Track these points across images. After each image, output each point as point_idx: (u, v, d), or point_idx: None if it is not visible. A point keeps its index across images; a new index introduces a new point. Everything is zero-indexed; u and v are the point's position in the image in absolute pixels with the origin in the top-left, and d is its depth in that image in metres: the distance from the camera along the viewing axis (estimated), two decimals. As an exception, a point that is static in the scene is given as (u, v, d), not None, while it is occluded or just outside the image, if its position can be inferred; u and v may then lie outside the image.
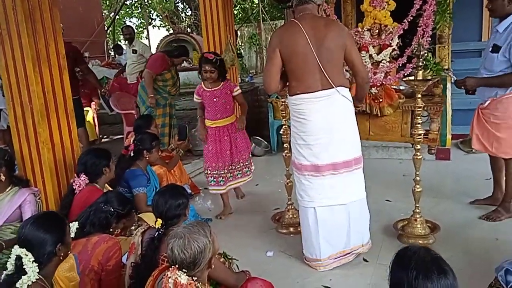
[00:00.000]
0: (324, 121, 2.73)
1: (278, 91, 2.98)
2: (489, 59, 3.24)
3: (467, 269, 2.72)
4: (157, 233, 2.15)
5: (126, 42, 6.81)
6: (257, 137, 6.08)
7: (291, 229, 3.47)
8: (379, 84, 3.41)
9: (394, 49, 3.50)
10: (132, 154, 3.53)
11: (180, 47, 5.43)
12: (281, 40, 2.77)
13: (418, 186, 3.15)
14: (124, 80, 6.82)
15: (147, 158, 3.61)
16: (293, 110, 2.84)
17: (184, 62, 10.51)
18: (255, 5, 15.76)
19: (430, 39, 3.46)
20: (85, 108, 6.62)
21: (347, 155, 2.79)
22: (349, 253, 2.92)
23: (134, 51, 6.53)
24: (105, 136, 7.49)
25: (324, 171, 2.77)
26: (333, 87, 2.69)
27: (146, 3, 14.73)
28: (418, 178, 3.15)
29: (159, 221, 2.19)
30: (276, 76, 2.79)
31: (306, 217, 2.88)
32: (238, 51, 7.80)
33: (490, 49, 3.22)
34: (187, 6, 16.38)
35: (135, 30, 18.89)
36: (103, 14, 12.15)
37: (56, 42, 3.21)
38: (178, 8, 16.63)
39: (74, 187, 2.94)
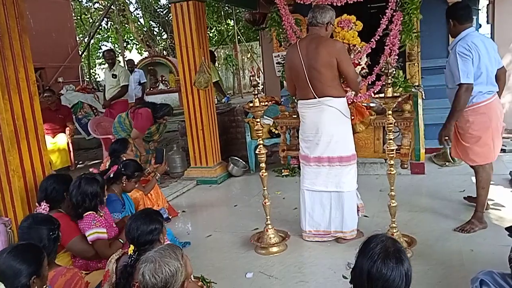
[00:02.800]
0: (313, 124, 3.37)
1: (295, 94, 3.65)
2: (446, 76, 3.61)
3: (444, 282, 2.75)
4: (130, 259, 2.11)
5: (107, 65, 6.91)
6: (235, 157, 6.07)
7: (270, 249, 3.44)
8: (350, 102, 3.47)
9: (363, 68, 3.58)
10: (111, 176, 3.45)
11: (165, 106, 5.40)
12: (287, 58, 3.52)
13: (393, 201, 3.19)
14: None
15: (124, 185, 3.55)
16: (299, 112, 3.54)
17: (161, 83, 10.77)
18: (230, 27, 15.96)
19: (397, 57, 3.56)
20: (59, 134, 6.51)
21: (332, 153, 3.35)
22: (330, 234, 3.49)
23: (114, 76, 6.60)
24: (80, 162, 7.35)
25: (311, 162, 3.44)
26: (317, 98, 3.25)
27: (120, 26, 14.71)
28: (393, 193, 3.19)
29: (132, 247, 2.15)
30: (290, 82, 3.55)
31: (302, 196, 3.56)
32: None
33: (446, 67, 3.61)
34: (162, 30, 16.45)
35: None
36: (77, 39, 12.09)
37: (26, 69, 3.17)
38: (154, 31, 16.69)
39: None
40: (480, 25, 9.41)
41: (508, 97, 7.10)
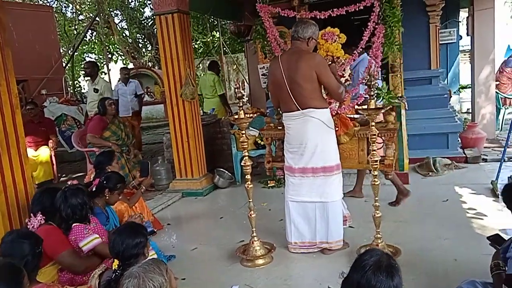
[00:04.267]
0: (297, 135, 3.41)
1: (279, 107, 3.69)
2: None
3: (428, 292, 2.77)
4: (114, 274, 2.08)
5: (88, 78, 6.83)
6: (221, 169, 6.06)
7: (256, 261, 3.42)
8: (334, 113, 3.51)
9: (347, 80, 3.63)
10: (93, 189, 3.42)
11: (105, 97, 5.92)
12: (270, 71, 3.58)
13: (377, 211, 3.22)
14: None
15: (107, 198, 3.51)
16: (284, 124, 3.57)
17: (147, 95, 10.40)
18: (216, 39, 16.02)
19: (380, 69, 3.62)
20: (42, 147, 6.43)
21: (316, 164, 3.38)
22: (315, 245, 3.50)
23: (96, 90, 6.50)
24: (63, 175, 7.25)
25: (295, 173, 3.47)
26: (300, 110, 3.29)
27: (105, 38, 14.66)
28: (377, 203, 3.22)
29: (116, 262, 2.12)
30: (274, 95, 3.61)
31: (286, 208, 3.58)
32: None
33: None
34: (147, 41, 16.44)
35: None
36: (61, 50, 12.00)
37: (8, 81, 3.13)
38: (139, 43, 16.66)
39: (28, 227, 2.80)
40: (461, 37, 9.65)
41: (488, 108, 7.26)
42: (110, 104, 5.57)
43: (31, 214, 2.91)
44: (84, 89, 16.42)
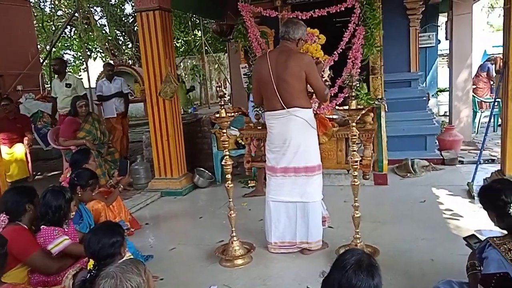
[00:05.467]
0: (280, 134, 3.39)
1: (261, 104, 3.69)
2: None
3: (406, 291, 2.80)
4: (89, 274, 2.03)
5: (56, 74, 6.61)
6: (201, 168, 6.01)
7: (235, 261, 3.40)
8: (313, 114, 3.52)
9: (326, 80, 3.64)
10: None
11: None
12: (255, 69, 3.58)
13: (357, 211, 3.23)
14: None
15: (79, 195, 3.43)
16: (266, 123, 3.56)
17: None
18: (197, 38, 15.93)
19: (359, 70, 3.65)
20: (17, 144, 6.27)
21: (298, 163, 3.38)
22: (295, 245, 3.49)
23: (68, 85, 6.34)
24: (39, 173, 7.08)
25: (278, 173, 3.45)
26: (286, 109, 3.27)
27: (84, 35, 14.40)
28: (357, 204, 3.24)
29: (91, 262, 2.06)
30: (257, 92, 3.57)
31: (267, 207, 3.56)
32: (182, 82, 7.72)
33: None
34: (128, 39, 16.22)
35: (73, 63, 18.24)
36: (39, 46, 11.72)
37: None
38: (119, 40, 16.42)
39: (-6, 228, 2.71)
40: (439, 41, 9.82)
41: (465, 111, 7.40)
42: (81, 106, 5.45)
43: None
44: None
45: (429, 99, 7.84)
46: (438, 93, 10.54)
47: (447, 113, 8.39)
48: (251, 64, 4.90)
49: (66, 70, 6.72)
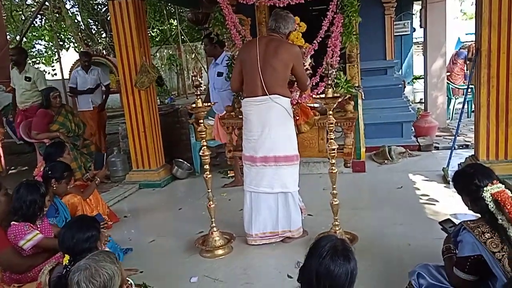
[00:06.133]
0: (259, 121, 3.33)
1: (239, 91, 3.69)
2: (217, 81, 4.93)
3: (384, 276, 2.85)
4: (64, 270, 1.98)
5: (14, 66, 6.07)
6: (179, 160, 5.95)
7: (215, 252, 3.39)
8: (295, 103, 3.51)
9: (307, 69, 3.64)
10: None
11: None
12: (241, 51, 3.57)
13: (335, 199, 3.26)
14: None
15: (54, 188, 3.36)
16: (243, 111, 3.50)
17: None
18: (173, 27, 15.68)
19: (339, 58, 3.65)
20: (-13, 138, 6.07)
21: (277, 152, 3.34)
22: (277, 235, 3.48)
23: (28, 79, 5.92)
24: (12, 168, 6.89)
25: (257, 162, 3.39)
26: (267, 95, 3.24)
27: (55, 24, 13.99)
28: (335, 191, 3.26)
29: (67, 257, 2.02)
30: (237, 77, 3.50)
31: (245, 198, 3.52)
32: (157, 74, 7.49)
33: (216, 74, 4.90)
34: (101, 28, 15.83)
35: (45, 53, 17.69)
36: (8, 37, 11.33)
37: None
38: (93, 30, 16.02)
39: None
40: (414, 29, 9.94)
41: (440, 98, 7.54)
42: (55, 97, 5.27)
43: None
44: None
45: (405, 87, 7.96)
46: (414, 80, 10.70)
47: (423, 100, 8.53)
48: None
49: (27, 61, 6.18)
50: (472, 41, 8.99)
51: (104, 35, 15.80)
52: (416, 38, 11.23)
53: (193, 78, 3.27)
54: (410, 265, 2.47)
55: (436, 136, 6.68)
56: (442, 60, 7.48)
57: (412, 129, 6.54)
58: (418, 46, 12.72)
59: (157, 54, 14.80)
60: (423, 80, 8.53)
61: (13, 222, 2.71)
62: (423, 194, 4.36)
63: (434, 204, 4.06)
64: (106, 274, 1.64)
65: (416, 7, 10.18)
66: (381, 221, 3.77)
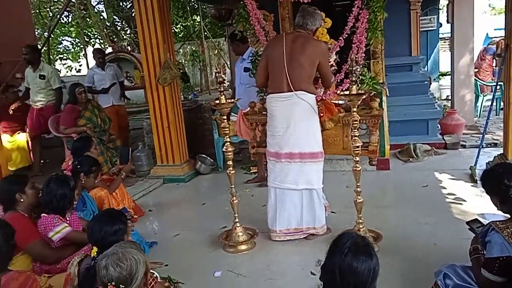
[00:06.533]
0: (284, 118, 3.33)
1: (264, 87, 3.69)
2: (243, 77, 4.85)
3: (408, 275, 2.82)
4: (93, 262, 2.04)
5: (28, 65, 6.07)
6: (203, 155, 6.01)
7: (239, 247, 3.42)
8: (319, 99, 3.50)
9: (332, 65, 3.61)
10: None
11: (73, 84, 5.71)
12: (268, 46, 3.56)
13: (359, 197, 3.23)
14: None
15: (83, 182, 3.44)
16: (268, 107, 3.49)
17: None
18: (197, 23, 15.77)
19: (364, 55, 3.61)
20: (18, 132, 6.24)
21: (303, 149, 3.33)
22: (301, 231, 3.47)
23: (42, 77, 5.93)
24: (41, 161, 7.06)
25: (282, 158, 3.38)
26: (293, 91, 3.23)
27: (81, 21, 14.27)
28: (359, 189, 3.23)
29: (95, 249, 2.07)
30: (262, 73, 3.50)
31: (270, 195, 3.51)
32: (181, 70, 7.53)
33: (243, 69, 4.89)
34: (126, 25, 16.06)
35: (72, 49, 18.04)
36: (36, 33, 11.62)
37: (-20, 63, 3.00)
38: (118, 26, 16.26)
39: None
40: (441, 24, 9.72)
41: (467, 95, 7.37)
42: (80, 93, 5.38)
43: None
44: (61, 72, 16.00)
45: (430, 83, 7.79)
46: (440, 77, 10.48)
47: (449, 97, 8.36)
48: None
49: (41, 59, 6.16)
50: (501, 36, 8.71)
51: (128, 31, 16.03)
52: (442, 34, 10.98)
53: (217, 74, 3.30)
54: (436, 265, 2.44)
55: (463, 134, 6.54)
56: (469, 56, 7.29)
57: (438, 127, 6.41)
58: (444, 42, 12.43)
59: (180, 50, 14.94)
60: (449, 76, 8.35)
61: (43, 214, 2.80)
62: (450, 193, 4.28)
63: (461, 204, 3.99)
64: (133, 259, 1.70)
65: (443, 1, 9.95)
66: (406, 220, 3.72)
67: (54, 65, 15.70)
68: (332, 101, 3.68)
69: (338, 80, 3.73)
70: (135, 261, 1.71)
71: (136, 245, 1.83)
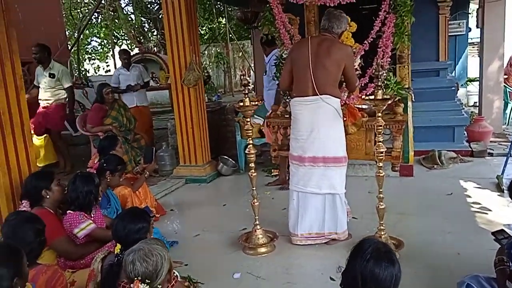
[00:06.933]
0: (308, 122, 3.32)
1: (288, 89, 3.67)
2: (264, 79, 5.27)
3: (430, 285, 2.77)
4: (116, 258, 2.08)
5: (38, 64, 6.00)
6: (225, 156, 6.05)
7: (258, 250, 3.42)
8: (342, 103, 3.48)
9: (356, 69, 3.59)
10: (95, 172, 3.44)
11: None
12: (293, 49, 3.55)
13: (381, 203, 3.20)
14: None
15: (108, 180, 3.52)
16: (292, 110, 3.50)
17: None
18: (222, 26, 15.90)
19: (390, 59, 3.58)
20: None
21: (327, 153, 3.31)
22: (323, 236, 3.44)
23: (52, 75, 5.87)
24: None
25: (306, 162, 3.36)
26: (318, 95, 3.22)
27: (110, 22, 14.57)
28: (381, 195, 3.20)
29: (118, 246, 2.12)
30: (287, 76, 3.50)
31: (292, 198, 3.49)
32: (206, 72, 7.58)
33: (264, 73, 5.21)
34: (153, 26, 16.33)
35: (100, 50, 18.45)
36: (67, 33, 11.93)
37: (13, 62, 3.11)
38: (145, 28, 16.55)
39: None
40: (470, 29, 9.52)
41: (496, 102, 7.19)
42: (107, 93, 5.51)
43: (20, 202, 2.93)
44: (89, 72, 16.38)
45: (458, 89, 7.63)
46: (468, 83, 10.25)
47: (477, 104, 8.16)
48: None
49: (51, 58, 6.00)
50: (533, 42, 8.49)
51: (155, 32, 16.28)
52: (471, 39, 10.76)
53: (241, 77, 3.32)
54: (459, 275, 2.39)
55: (491, 141, 6.38)
56: (499, 62, 7.11)
57: (464, 134, 6.28)
58: (473, 47, 12.17)
59: (205, 52, 15.08)
60: (477, 82, 8.16)
61: (68, 211, 2.88)
62: (475, 202, 4.19)
63: (487, 213, 3.89)
64: (158, 255, 1.76)
65: (473, 6, 9.75)
66: (429, 228, 3.66)
67: (83, 65, 16.07)
68: (355, 106, 3.65)
69: (362, 84, 3.70)
70: (161, 257, 1.76)
71: (161, 242, 1.88)
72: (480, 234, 3.42)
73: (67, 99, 6.15)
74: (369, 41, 3.68)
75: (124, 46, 16.72)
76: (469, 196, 4.37)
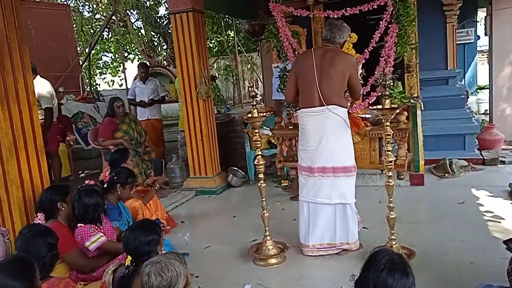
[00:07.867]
0: (316, 132, 3.32)
1: (294, 102, 3.72)
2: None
3: (443, 295, 2.73)
4: (127, 271, 2.10)
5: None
6: (234, 168, 6.07)
7: (269, 261, 3.42)
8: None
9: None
10: (105, 186, 3.48)
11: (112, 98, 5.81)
12: (297, 61, 3.57)
13: (392, 212, 3.18)
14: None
15: (119, 193, 3.56)
16: (299, 122, 3.50)
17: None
18: (230, 38, 16.05)
19: (393, 68, 3.59)
20: (59, 144, 6.49)
21: (336, 163, 3.31)
22: (335, 246, 3.42)
23: None
24: (80, 172, 7.34)
25: (315, 173, 3.36)
26: (325, 105, 3.22)
27: (121, 37, 14.80)
28: (391, 204, 3.18)
29: (129, 258, 2.14)
30: (292, 88, 3.50)
31: (302, 209, 3.47)
32: (214, 84, 7.66)
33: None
34: (162, 40, 16.55)
35: (111, 65, 18.71)
36: (78, 49, 12.15)
37: (26, 78, 3.19)
38: (154, 42, 16.78)
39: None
40: (479, 37, 9.49)
41: (507, 109, 7.13)
42: (118, 107, 5.57)
43: (36, 214, 2.98)
44: (100, 86, 16.61)
45: (468, 97, 7.59)
46: (478, 90, 10.19)
47: (488, 112, 8.10)
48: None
49: (36, 72, 5.35)
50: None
51: (165, 46, 16.50)
52: (480, 46, 10.71)
53: (249, 89, 3.36)
54: (472, 284, 2.37)
55: (502, 149, 6.31)
56: (509, 69, 7.07)
57: (475, 142, 6.22)
58: (482, 55, 12.11)
59: (214, 64, 15.21)
60: (488, 90, 8.10)
61: (79, 224, 2.91)
62: (487, 210, 4.14)
63: (499, 222, 3.84)
64: (174, 271, 1.78)
65: (481, 14, 9.72)
66: (441, 237, 3.62)
67: (94, 80, 16.30)
68: (358, 115, 3.67)
69: (364, 93, 3.72)
70: (176, 273, 1.78)
71: (180, 258, 1.90)
72: (493, 242, 3.37)
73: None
74: (370, 50, 3.69)
75: (135, 61, 16.97)
76: (481, 205, 4.32)
